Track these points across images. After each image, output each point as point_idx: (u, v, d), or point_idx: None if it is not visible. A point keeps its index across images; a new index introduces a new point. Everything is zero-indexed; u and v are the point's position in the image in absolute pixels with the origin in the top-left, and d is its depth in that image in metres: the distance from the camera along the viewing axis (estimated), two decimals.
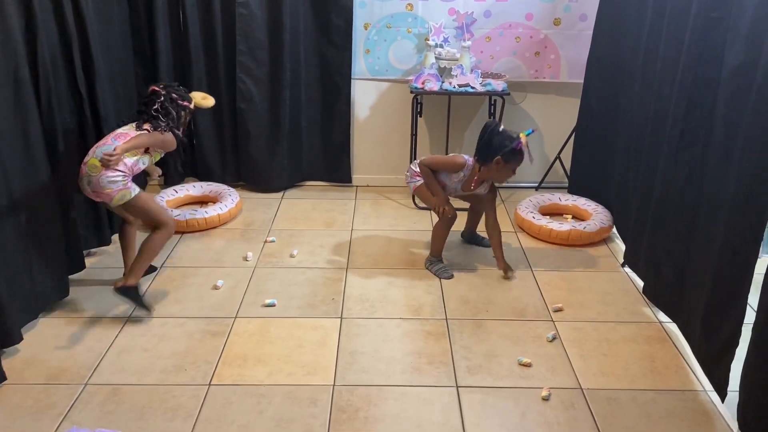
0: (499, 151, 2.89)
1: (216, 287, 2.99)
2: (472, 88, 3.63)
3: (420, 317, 2.80)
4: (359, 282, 3.08)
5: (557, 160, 4.07)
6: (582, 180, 3.84)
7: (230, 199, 3.73)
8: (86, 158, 2.65)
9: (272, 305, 2.86)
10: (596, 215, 3.57)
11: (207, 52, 3.85)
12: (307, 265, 3.23)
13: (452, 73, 3.66)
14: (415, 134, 3.93)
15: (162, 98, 2.73)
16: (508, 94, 3.71)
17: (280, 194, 4.10)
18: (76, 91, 2.90)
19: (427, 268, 3.20)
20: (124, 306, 2.83)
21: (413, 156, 4.01)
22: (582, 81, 3.72)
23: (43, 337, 2.61)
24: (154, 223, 2.76)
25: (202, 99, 2.92)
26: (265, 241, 3.46)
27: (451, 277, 3.12)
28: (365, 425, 2.17)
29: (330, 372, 2.44)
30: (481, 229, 3.34)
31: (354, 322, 2.76)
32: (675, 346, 2.62)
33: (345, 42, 3.87)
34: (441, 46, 3.77)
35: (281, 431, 2.14)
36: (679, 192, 2.54)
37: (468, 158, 3.05)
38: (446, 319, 2.79)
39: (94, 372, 2.41)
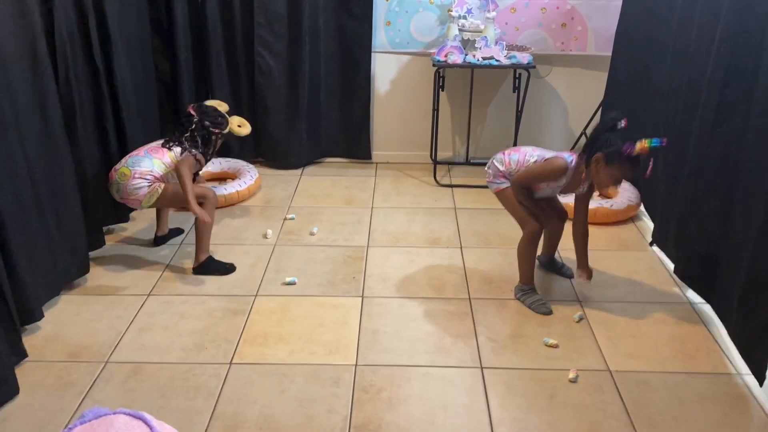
0: (602, 147, 2.39)
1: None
2: (497, 60, 3.53)
3: (443, 297, 2.75)
4: (380, 260, 3.03)
5: (583, 136, 3.97)
6: None
7: (249, 175, 3.68)
8: (117, 165, 2.81)
9: (293, 283, 2.82)
10: (623, 193, 3.47)
11: (225, 25, 3.78)
12: (327, 243, 3.19)
13: (476, 45, 3.56)
14: (437, 109, 3.84)
15: (194, 126, 2.87)
16: (534, 67, 3.60)
17: (299, 171, 4.05)
18: (93, 65, 2.85)
19: (518, 299, 2.71)
20: (144, 283, 2.81)
21: (435, 132, 3.92)
22: (610, 53, 3.61)
23: (64, 314, 2.60)
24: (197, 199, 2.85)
25: (238, 126, 3.05)
26: (285, 219, 3.42)
27: (550, 312, 2.62)
28: (389, 406, 2.14)
29: (352, 351, 2.40)
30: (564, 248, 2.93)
31: (375, 301, 2.71)
32: (706, 327, 2.54)
33: (365, 14, 3.78)
34: (464, 17, 3.66)
35: (303, 411, 2.11)
36: (714, 169, 2.44)
37: (569, 157, 2.52)
38: (469, 298, 2.73)
39: (115, 350, 2.40)
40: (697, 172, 2.56)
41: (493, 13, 3.58)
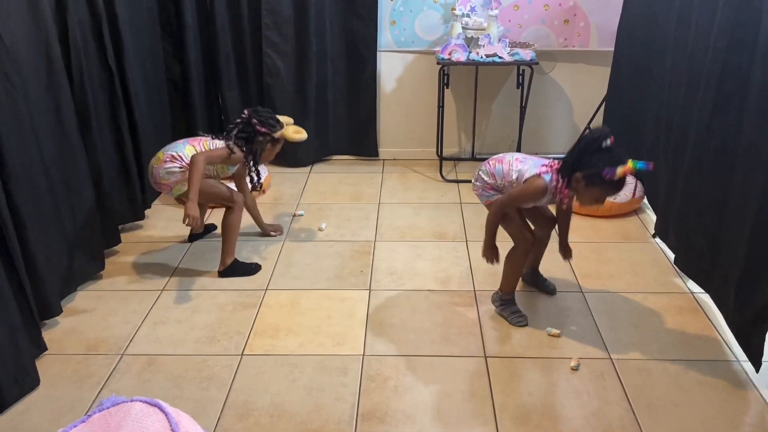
0: (583, 166, 2.24)
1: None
2: (500, 57, 3.58)
3: (448, 289, 2.81)
4: (387, 254, 3.09)
5: (587, 130, 4.01)
6: None
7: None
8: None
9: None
10: (626, 186, 3.50)
11: (233, 27, 3.86)
12: (335, 238, 3.26)
13: (479, 42, 3.61)
14: (442, 106, 3.90)
15: (240, 121, 2.84)
16: (537, 63, 3.65)
17: (307, 168, 4.12)
18: (106, 67, 2.94)
19: (496, 308, 2.63)
20: (158, 279, 2.90)
21: (440, 129, 3.98)
22: (612, 49, 3.65)
23: (82, 309, 2.69)
24: (222, 204, 2.96)
25: (294, 132, 2.91)
26: (294, 215, 3.49)
27: (526, 325, 2.55)
28: (395, 394, 2.21)
29: (359, 342, 2.47)
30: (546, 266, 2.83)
31: (382, 293, 2.78)
32: (707, 316, 2.59)
33: (370, 14, 3.84)
34: (468, 15, 3.72)
35: (312, 399, 2.18)
36: (711, 160, 2.49)
37: (547, 176, 2.36)
38: (474, 290, 2.79)
39: (131, 343, 2.48)
40: (696, 164, 2.60)
41: (496, 11, 3.64)
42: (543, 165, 2.41)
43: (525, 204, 2.49)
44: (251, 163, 2.88)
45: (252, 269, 2.96)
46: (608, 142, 2.22)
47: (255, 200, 3.25)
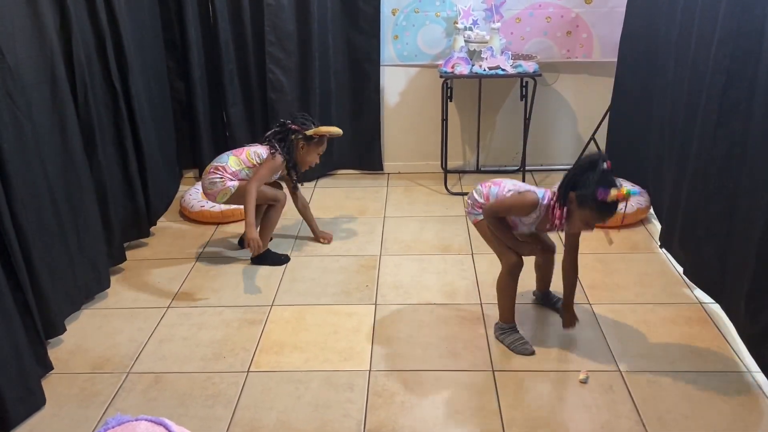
0: (578, 186, 2.21)
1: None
2: (503, 70, 3.58)
3: (454, 303, 2.79)
4: (393, 269, 3.08)
5: (592, 141, 4.00)
6: (618, 160, 3.71)
7: None
8: None
9: None
10: (632, 197, 3.49)
11: (237, 44, 3.88)
12: (341, 252, 3.25)
13: (482, 55, 3.62)
14: (446, 119, 3.91)
15: (279, 124, 3.07)
16: (540, 75, 3.65)
17: (312, 183, 4.12)
18: (111, 86, 2.96)
19: (497, 339, 2.54)
20: (163, 296, 2.89)
21: (444, 142, 3.99)
22: (615, 60, 3.64)
23: (87, 327, 2.68)
24: (268, 202, 3.13)
25: (327, 129, 3.13)
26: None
27: (532, 353, 2.45)
28: (402, 409, 2.19)
29: (366, 358, 2.45)
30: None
31: (388, 308, 2.77)
32: (716, 327, 2.56)
33: (373, 28, 3.86)
34: (470, 28, 3.73)
35: (319, 416, 2.17)
36: (718, 169, 2.47)
37: (542, 194, 2.36)
38: (481, 304, 2.78)
39: (136, 361, 2.47)
40: (701, 174, 2.59)
41: (498, 24, 3.65)
42: (540, 189, 2.40)
43: (512, 213, 2.41)
44: (290, 163, 3.06)
45: (281, 260, 3.14)
46: (605, 164, 2.18)
47: (307, 204, 3.37)
